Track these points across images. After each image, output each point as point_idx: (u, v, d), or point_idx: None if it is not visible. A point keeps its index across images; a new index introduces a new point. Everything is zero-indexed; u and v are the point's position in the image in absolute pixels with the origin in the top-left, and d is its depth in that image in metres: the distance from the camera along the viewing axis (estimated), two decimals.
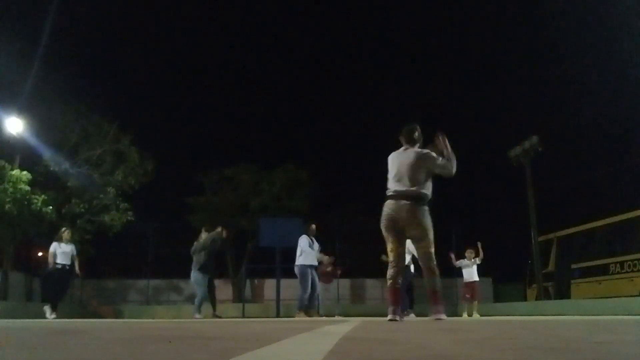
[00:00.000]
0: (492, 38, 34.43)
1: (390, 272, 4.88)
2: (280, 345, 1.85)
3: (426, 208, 4.84)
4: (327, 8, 41.04)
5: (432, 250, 4.90)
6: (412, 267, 9.82)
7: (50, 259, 10.05)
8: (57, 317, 9.64)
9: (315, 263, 9.73)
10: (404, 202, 4.77)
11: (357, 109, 38.72)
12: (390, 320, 4.74)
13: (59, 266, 10.03)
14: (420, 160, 4.84)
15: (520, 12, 33.35)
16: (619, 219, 15.65)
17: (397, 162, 4.93)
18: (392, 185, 4.88)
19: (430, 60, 37.65)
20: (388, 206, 4.85)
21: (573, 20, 26.07)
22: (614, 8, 20.45)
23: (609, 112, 24.80)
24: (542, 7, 30.92)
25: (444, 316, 4.85)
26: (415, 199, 4.77)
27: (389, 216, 4.83)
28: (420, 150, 4.94)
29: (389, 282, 4.88)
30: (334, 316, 11.78)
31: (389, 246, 4.89)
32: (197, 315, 9.52)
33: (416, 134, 5.05)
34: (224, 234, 10.21)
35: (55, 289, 10.34)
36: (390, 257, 4.90)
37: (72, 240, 10.63)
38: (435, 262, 4.91)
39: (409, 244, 10.17)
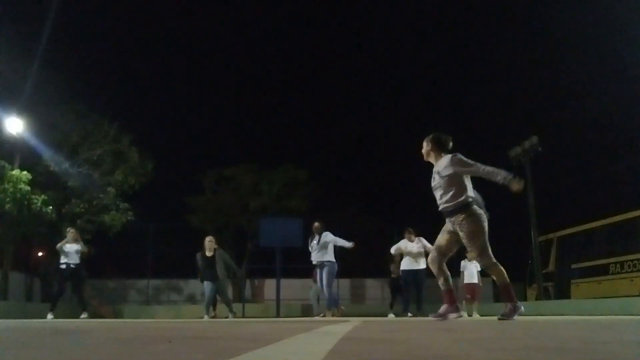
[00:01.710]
0: (493, 38, 34.44)
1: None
2: (280, 345, 1.85)
3: None
4: (327, 8, 41.03)
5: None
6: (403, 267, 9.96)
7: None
8: (55, 318, 9.63)
9: (315, 261, 9.65)
10: None
11: (357, 109, 38.76)
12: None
13: (63, 266, 10.03)
14: None
15: (521, 12, 33.36)
16: (619, 219, 15.65)
17: None
18: (473, 193, 4.84)
19: (430, 60, 37.67)
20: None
21: (573, 21, 26.08)
22: (613, 8, 20.47)
23: (609, 112, 24.82)
24: (543, 8, 30.94)
25: (452, 315, 4.87)
26: None
27: None
28: None
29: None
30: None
31: None
32: (205, 317, 9.67)
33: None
34: (209, 246, 9.96)
35: (58, 288, 10.36)
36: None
37: (78, 240, 10.23)
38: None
39: (404, 245, 10.13)
